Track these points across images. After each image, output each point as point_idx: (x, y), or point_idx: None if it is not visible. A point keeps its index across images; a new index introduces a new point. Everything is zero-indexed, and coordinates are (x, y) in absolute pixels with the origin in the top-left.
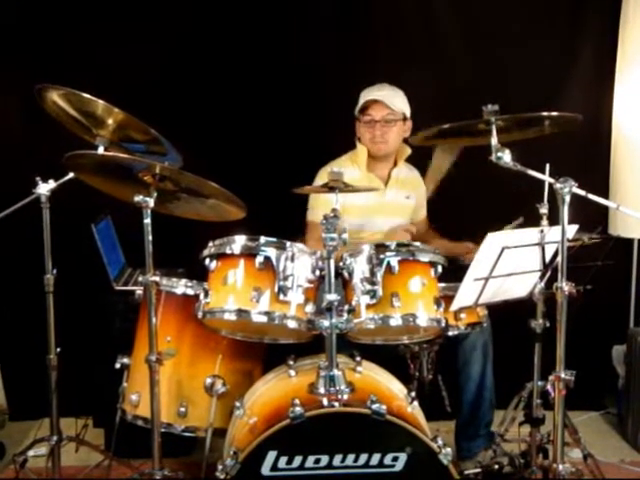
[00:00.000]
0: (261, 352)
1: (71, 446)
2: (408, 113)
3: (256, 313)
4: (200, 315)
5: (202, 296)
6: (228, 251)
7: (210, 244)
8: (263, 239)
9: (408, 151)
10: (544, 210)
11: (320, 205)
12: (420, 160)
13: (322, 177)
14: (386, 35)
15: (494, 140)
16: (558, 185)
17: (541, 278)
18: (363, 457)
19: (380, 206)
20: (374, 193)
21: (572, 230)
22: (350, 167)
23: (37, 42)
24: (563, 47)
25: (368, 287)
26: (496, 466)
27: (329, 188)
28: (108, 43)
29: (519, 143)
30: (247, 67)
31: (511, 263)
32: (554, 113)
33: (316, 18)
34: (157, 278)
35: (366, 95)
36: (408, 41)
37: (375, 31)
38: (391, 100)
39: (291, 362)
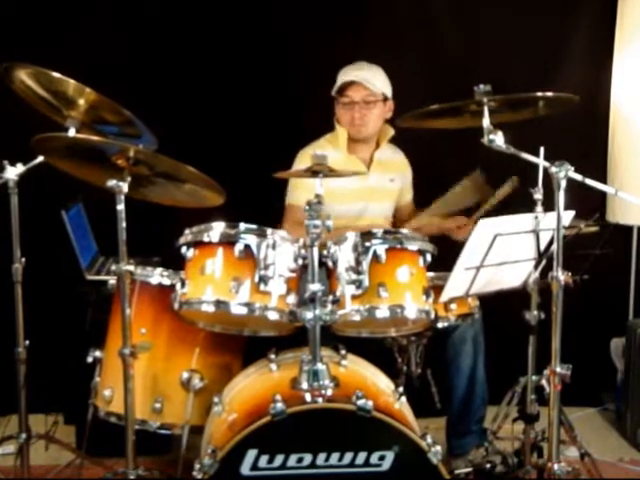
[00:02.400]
0: (241, 345)
1: (40, 444)
2: (389, 93)
3: (235, 304)
4: (176, 306)
5: (178, 286)
6: (206, 239)
7: (187, 231)
8: (243, 226)
9: (391, 132)
10: (539, 195)
11: (300, 188)
12: (406, 142)
13: (303, 160)
14: (370, 10)
15: (486, 122)
16: (553, 169)
17: (536, 267)
18: (348, 456)
19: (364, 191)
20: (357, 177)
21: (568, 217)
22: (330, 150)
23: (3, 18)
24: (559, 23)
25: (353, 277)
26: (488, 465)
27: (312, 172)
28: (79, 19)
29: (512, 125)
30: (225, 46)
31: (504, 251)
32: (549, 93)
33: None
34: (131, 267)
35: (344, 75)
36: (394, 16)
37: (358, 6)
38: (370, 80)
39: (272, 356)
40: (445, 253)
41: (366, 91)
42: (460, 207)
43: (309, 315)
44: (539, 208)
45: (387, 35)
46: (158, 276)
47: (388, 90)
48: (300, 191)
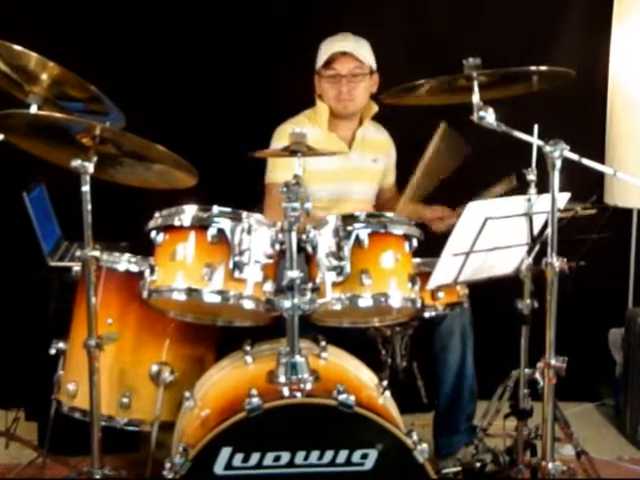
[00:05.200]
0: (214, 336)
1: (0, 442)
2: (374, 66)
3: (208, 292)
4: (145, 294)
5: (147, 273)
6: (177, 223)
7: (156, 215)
8: (216, 209)
9: (375, 108)
10: (532, 176)
11: (279, 166)
12: (390, 120)
13: (281, 137)
14: None
15: (476, 98)
16: (548, 148)
17: (529, 253)
18: (329, 454)
19: (345, 171)
20: (338, 156)
21: (563, 199)
22: (309, 127)
23: None
24: None
25: (334, 263)
26: (478, 464)
27: (290, 152)
28: None
29: (504, 101)
30: (197, 19)
31: (495, 236)
32: (543, 67)
33: None
34: (97, 253)
35: (329, 47)
36: None
37: None
38: (359, 52)
39: (248, 347)
40: (432, 238)
41: (354, 63)
42: (445, 172)
43: (287, 304)
44: (532, 190)
45: (370, 4)
46: (126, 262)
47: (374, 63)
48: (280, 169)
